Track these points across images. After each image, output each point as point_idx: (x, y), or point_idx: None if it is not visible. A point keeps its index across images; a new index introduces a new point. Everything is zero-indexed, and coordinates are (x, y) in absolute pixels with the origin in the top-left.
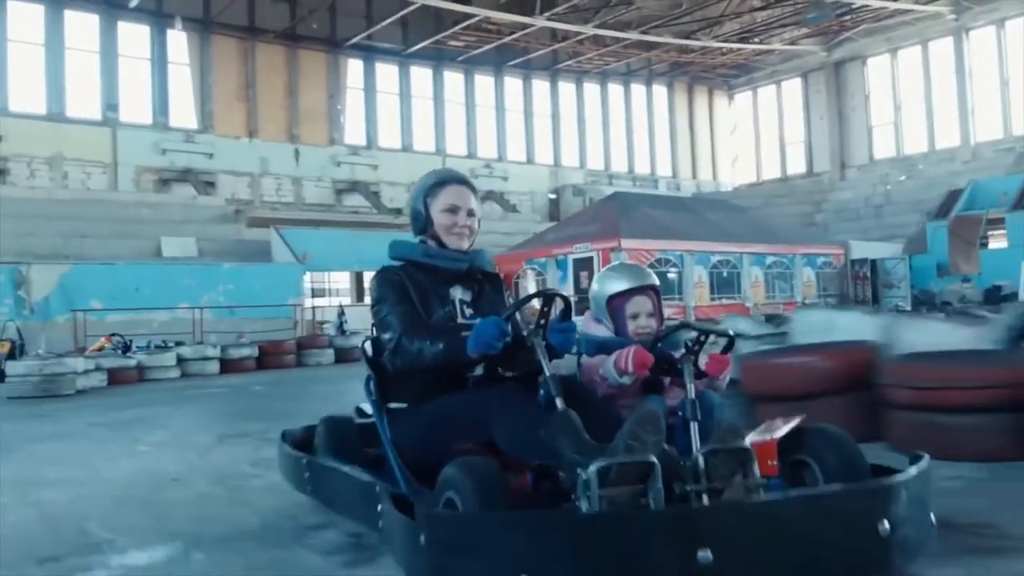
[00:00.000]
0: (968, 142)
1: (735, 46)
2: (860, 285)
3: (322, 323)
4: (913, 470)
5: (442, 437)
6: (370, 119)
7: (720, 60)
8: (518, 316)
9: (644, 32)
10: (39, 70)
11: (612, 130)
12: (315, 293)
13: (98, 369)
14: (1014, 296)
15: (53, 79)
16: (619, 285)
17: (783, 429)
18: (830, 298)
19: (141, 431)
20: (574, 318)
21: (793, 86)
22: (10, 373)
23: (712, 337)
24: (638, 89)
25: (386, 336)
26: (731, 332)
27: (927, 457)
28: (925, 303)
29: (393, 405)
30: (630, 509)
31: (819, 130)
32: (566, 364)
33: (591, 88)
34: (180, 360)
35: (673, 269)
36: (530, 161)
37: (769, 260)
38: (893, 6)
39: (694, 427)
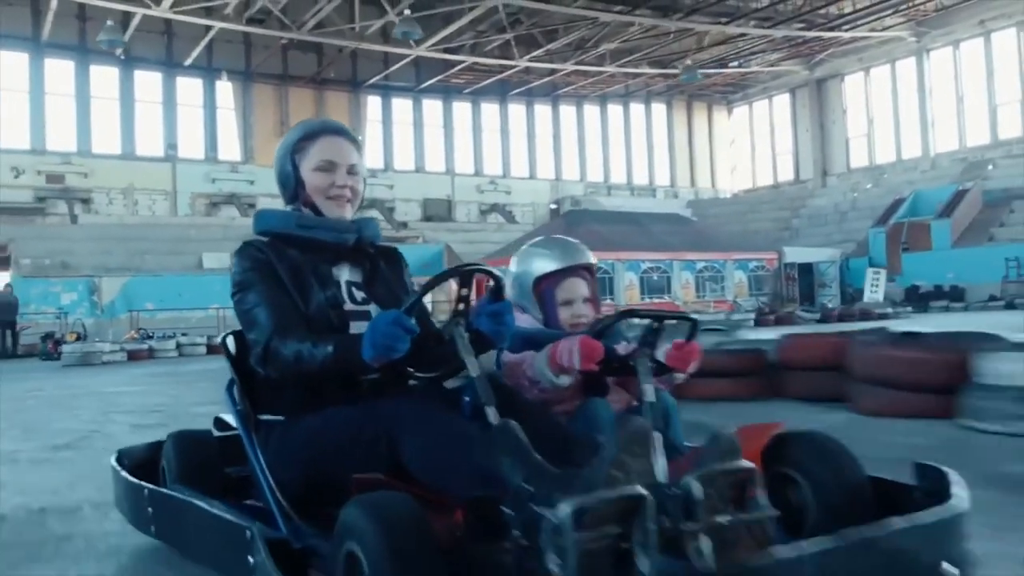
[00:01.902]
0: (928, 153)
1: (716, 71)
2: (790, 285)
3: None
4: (962, 494)
5: (332, 460)
6: (387, 146)
7: (711, 80)
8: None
9: (621, 66)
10: (115, 119)
11: (611, 145)
12: None
13: (121, 350)
14: (929, 294)
15: (126, 126)
16: (548, 265)
17: (763, 437)
18: (763, 297)
19: (108, 376)
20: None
21: (783, 101)
22: (64, 351)
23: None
24: (637, 108)
25: (252, 336)
26: (694, 316)
27: (955, 474)
28: (855, 299)
29: (265, 417)
30: (610, 560)
31: (805, 141)
32: (485, 362)
33: (591, 109)
34: (178, 345)
35: (605, 275)
36: (532, 176)
37: (700, 265)
38: (849, 35)
39: (658, 439)
